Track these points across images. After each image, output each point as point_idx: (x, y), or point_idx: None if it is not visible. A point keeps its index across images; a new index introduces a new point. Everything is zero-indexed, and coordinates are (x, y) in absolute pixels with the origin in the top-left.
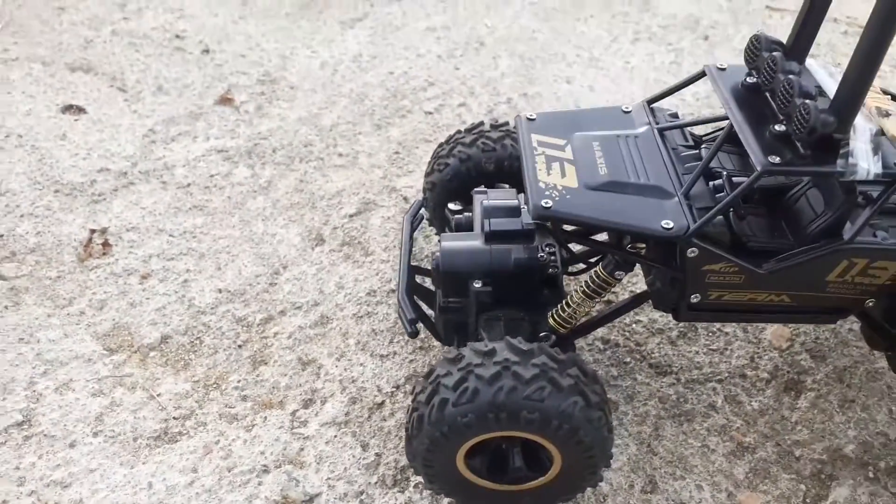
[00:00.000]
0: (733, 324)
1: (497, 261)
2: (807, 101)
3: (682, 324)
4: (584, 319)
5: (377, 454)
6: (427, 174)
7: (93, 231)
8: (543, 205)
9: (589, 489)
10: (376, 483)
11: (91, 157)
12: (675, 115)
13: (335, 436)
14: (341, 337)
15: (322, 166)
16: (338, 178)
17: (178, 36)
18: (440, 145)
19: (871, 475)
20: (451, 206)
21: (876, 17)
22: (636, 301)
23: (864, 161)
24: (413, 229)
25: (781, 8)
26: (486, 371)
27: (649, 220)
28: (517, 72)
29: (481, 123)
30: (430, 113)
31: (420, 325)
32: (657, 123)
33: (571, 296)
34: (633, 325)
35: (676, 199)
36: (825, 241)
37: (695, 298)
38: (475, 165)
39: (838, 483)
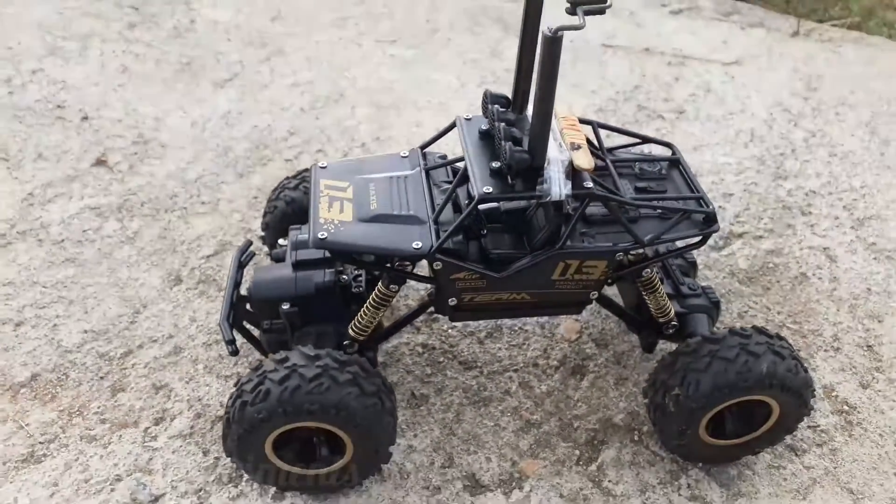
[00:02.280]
0: (532, 321)
1: (301, 286)
2: (508, 143)
3: (489, 325)
4: (386, 325)
5: (216, 458)
6: (263, 215)
7: None
8: (319, 236)
9: (395, 468)
10: (214, 481)
11: None
12: (443, 157)
13: (181, 446)
14: (191, 363)
15: (185, 215)
16: (199, 224)
17: (59, 106)
18: (273, 190)
19: (635, 438)
20: (281, 241)
21: (540, 78)
22: (421, 308)
23: (556, 186)
24: (243, 265)
25: (615, 45)
26: (278, 374)
27: (404, 243)
28: (372, 119)
29: (306, 170)
30: (290, 160)
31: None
32: (426, 165)
33: (364, 309)
34: (449, 330)
35: (428, 224)
36: (545, 249)
37: (452, 302)
38: (299, 206)
39: (607, 446)
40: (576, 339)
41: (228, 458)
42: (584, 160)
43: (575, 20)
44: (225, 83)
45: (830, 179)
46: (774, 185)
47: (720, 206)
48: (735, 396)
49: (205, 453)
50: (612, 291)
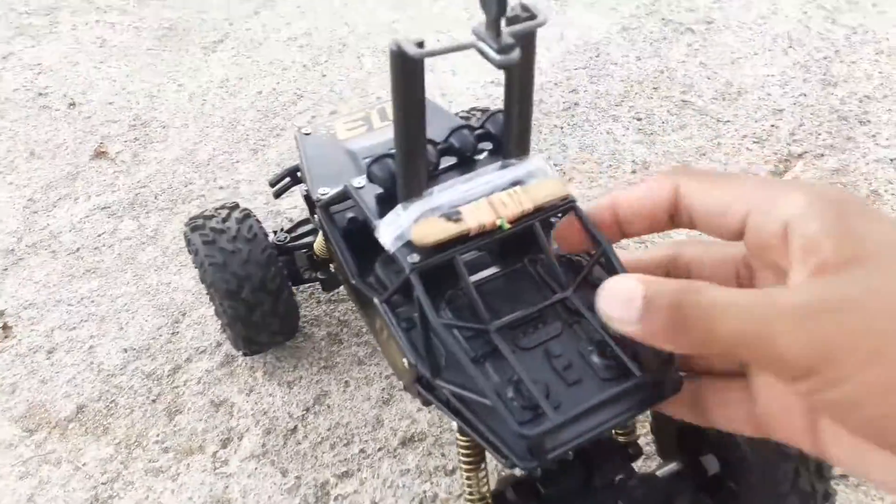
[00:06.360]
0: None
1: None
2: None
3: None
4: None
5: (297, 477)
6: None
7: None
8: None
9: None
10: None
11: None
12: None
13: (255, 468)
14: (248, 372)
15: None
16: None
17: (41, 94)
18: None
19: None
20: None
21: None
22: None
23: None
24: None
25: None
26: None
27: None
28: (382, 68)
29: None
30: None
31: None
32: None
33: None
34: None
35: None
36: None
37: None
38: None
39: None
40: None
41: (309, 479)
42: None
43: None
44: (216, 46)
45: (883, 81)
46: (825, 93)
47: (772, 125)
48: None
49: (283, 473)
50: None
